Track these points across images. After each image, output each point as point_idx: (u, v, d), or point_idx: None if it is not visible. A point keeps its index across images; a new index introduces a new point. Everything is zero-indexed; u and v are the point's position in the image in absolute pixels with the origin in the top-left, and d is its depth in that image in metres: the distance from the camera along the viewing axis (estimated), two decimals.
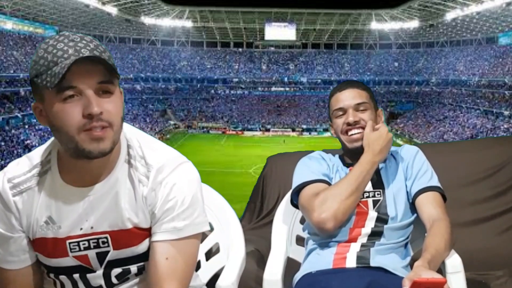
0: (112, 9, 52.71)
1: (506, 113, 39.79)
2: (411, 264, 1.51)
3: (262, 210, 2.57)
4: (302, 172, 1.58)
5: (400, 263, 1.43)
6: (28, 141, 30.71)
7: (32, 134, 32.67)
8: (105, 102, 1.02)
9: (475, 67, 52.18)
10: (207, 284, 1.45)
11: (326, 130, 52.18)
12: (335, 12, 61.74)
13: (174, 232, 1.09)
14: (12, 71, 37.93)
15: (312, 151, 1.74)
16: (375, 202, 1.51)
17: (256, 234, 2.36)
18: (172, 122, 54.53)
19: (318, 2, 77.15)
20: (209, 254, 1.54)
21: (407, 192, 1.54)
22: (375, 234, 1.46)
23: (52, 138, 1.14)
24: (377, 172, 1.56)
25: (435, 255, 1.29)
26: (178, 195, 1.10)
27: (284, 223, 1.71)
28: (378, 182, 1.54)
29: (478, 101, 45.92)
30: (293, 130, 53.33)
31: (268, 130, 53.59)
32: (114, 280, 1.13)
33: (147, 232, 1.12)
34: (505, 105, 40.84)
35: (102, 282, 1.13)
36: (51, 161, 1.13)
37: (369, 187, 1.53)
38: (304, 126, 54.01)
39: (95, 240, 1.10)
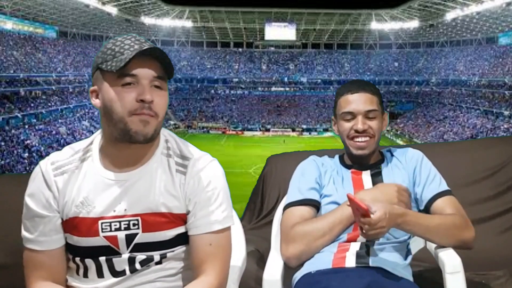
0: (112, 9, 52.71)
1: (506, 113, 39.77)
2: (411, 264, 1.51)
3: (262, 210, 2.56)
4: (293, 187, 1.60)
5: (400, 263, 1.43)
6: (28, 141, 30.69)
7: (32, 134, 32.66)
8: (156, 94, 1.16)
9: (475, 67, 52.16)
10: None
11: (326, 130, 52.15)
12: (335, 12, 61.74)
13: (216, 224, 1.22)
14: (12, 71, 37.92)
15: (312, 151, 1.74)
16: None
17: (256, 234, 2.36)
18: (172, 122, 54.52)
19: (318, 2, 77.27)
20: None
21: (415, 199, 1.55)
22: None
23: (94, 134, 1.28)
24: (379, 174, 1.56)
25: (418, 218, 1.39)
26: (215, 187, 1.23)
27: None
28: None
29: (478, 101, 45.89)
30: (293, 130, 53.32)
31: (268, 130, 53.58)
32: (137, 266, 1.19)
33: (179, 221, 1.21)
34: (505, 105, 40.81)
35: (127, 267, 1.19)
36: (93, 149, 1.24)
37: None
38: (304, 126, 54.00)
39: (127, 222, 1.18)
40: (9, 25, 44.08)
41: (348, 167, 1.61)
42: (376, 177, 1.56)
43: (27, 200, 1.20)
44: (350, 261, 1.39)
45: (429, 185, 1.53)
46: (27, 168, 26.86)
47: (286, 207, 1.55)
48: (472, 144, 3.11)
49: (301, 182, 1.59)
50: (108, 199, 1.18)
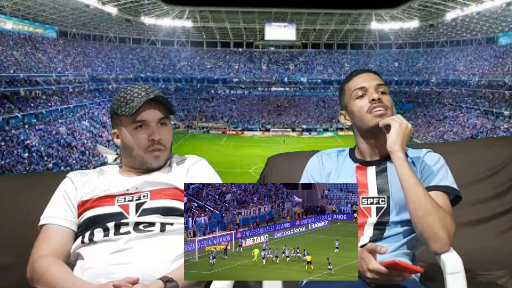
0: (112, 9, 52.68)
1: (506, 113, 39.75)
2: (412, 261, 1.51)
3: None
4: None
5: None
6: (28, 141, 30.67)
7: (32, 134, 32.64)
8: (162, 131, 1.49)
9: (475, 67, 52.14)
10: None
11: (326, 130, 52.15)
12: (335, 12, 61.72)
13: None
14: (12, 71, 37.91)
15: (312, 151, 1.74)
16: (378, 209, 1.50)
17: None
18: (172, 122, 54.49)
19: (318, 2, 77.27)
20: None
21: None
22: (377, 236, 1.47)
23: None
24: (384, 171, 1.55)
25: (410, 169, 1.43)
26: (208, 173, 1.58)
27: None
28: (383, 188, 1.52)
29: (478, 101, 45.88)
30: (293, 130, 53.29)
31: (268, 130, 53.55)
32: (140, 227, 1.39)
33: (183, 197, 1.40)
34: (505, 105, 40.79)
35: (131, 229, 1.39)
36: (110, 167, 1.56)
37: (374, 192, 1.52)
38: (304, 126, 53.98)
39: (138, 196, 1.45)
40: (9, 25, 44.06)
41: (355, 160, 1.61)
42: (381, 174, 1.55)
43: (62, 185, 1.51)
44: None
45: (424, 180, 1.49)
46: (27, 168, 26.83)
47: None
48: (472, 144, 3.10)
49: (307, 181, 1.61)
50: (126, 187, 1.46)
